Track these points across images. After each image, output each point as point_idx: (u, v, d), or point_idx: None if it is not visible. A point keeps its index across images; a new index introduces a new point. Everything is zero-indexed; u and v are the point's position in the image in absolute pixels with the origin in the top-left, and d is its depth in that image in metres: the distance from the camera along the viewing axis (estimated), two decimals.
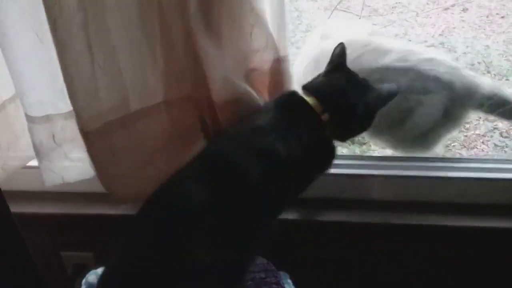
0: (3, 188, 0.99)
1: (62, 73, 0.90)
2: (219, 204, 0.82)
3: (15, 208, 1.01)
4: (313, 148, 0.92)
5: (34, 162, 1.19)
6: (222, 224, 0.81)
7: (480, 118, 1.92)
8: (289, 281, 0.99)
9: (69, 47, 0.88)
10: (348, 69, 0.99)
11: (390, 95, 0.97)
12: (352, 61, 1.13)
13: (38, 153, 1.07)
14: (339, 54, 0.99)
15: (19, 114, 1.09)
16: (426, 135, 1.25)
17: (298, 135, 0.90)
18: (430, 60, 1.22)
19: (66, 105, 1.00)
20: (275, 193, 0.87)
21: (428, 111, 1.21)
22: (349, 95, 0.94)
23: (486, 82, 1.23)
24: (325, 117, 0.92)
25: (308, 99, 0.93)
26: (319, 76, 0.99)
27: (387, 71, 1.22)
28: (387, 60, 1.22)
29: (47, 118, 1.04)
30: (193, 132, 1.04)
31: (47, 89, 0.99)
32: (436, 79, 1.19)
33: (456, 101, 1.20)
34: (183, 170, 0.88)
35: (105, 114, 0.97)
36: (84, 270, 1.02)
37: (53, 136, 1.05)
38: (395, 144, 1.33)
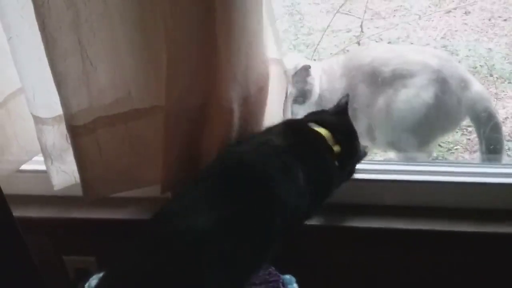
0: (5, 192, 0.99)
1: (50, 68, 0.91)
2: (236, 222, 0.84)
3: (17, 212, 1.01)
4: (324, 172, 0.98)
5: (35, 166, 1.20)
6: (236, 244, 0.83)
7: None
8: (295, 285, 0.99)
9: (58, 44, 0.89)
10: (349, 117, 1.07)
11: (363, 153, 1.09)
12: (351, 60, 1.17)
13: (49, 155, 1.07)
14: (345, 103, 1.07)
15: (10, 118, 1.10)
16: (422, 128, 1.24)
17: (314, 159, 0.97)
18: (419, 49, 1.24)
19: None
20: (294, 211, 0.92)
21: (413, 94, 1.20)
22: (355, 137, 1.05)
23: (478, 83, 1.24)
24: (336, 148, 0.98)
25: (320, 130, 0.99)
26: (323, 112, 1.05)
27: (373, 62, 1.25)
28: (373, 53, 1.25)
29: (60, 118, 1.04)
30: (185, 144, 1.04)
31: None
32: (423, 63, 1.20)
33: (447, 89, 1.20)
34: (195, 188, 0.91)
35: (95, 110, 0.98)
36: (86, 274, 1.02)
37: (66, 136, 1.05)
38: (393, 142, 1.33)
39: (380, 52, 1.29)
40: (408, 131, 1.28)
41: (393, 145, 1.39)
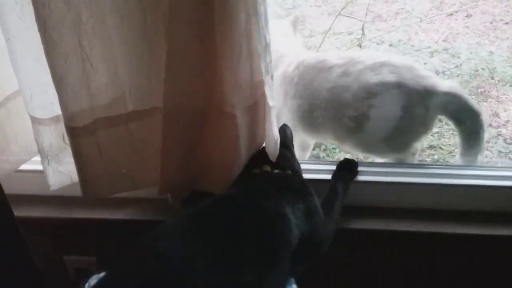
0: (7, 192, 0.99)
1: (50, 70, 0.91)
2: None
3: (18, 212, 1.01)
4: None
5: (36, 166, 1.20)
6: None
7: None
8: (294, 285, 0.99)
9: (58, 46, 0.88)
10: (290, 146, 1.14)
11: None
12: (306, 85, 1.29)
13: (46, 156, 1.07)
14: (290, 137, 1.15)
15: (10, 118, 1.10)
16: (395, 137, 1.25)
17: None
18: (372, 66, 1.24)
19: None
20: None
21: (383, 111, 1.21)
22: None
23: (445, 83, 1.23)
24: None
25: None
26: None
27: (334, 89, 1.26)
28: (332, 77, 1.26)
29: (57, 119, 1.04)
30: (184, 148, 1.03)
31: (55, 90, 0.98)
32: (381, 83, 1.21)
33: (413, 97, 1.20)
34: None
35: (95, 112, 0.98)
36: (86, 274, 1.02)
37: (63, 136, 1.05)
38: (365, 149, 1.35)
39: (336, 77, 1.28)
40: (380, 143, 1.29)
41: (367, 152, 1.41)
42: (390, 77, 1.22)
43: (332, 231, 1.04)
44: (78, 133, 0.97)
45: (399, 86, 1.21)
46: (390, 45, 2.29)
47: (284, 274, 0.92)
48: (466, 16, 2.46)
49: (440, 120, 1.93)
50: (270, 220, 0.91)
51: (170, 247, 0.83)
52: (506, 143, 1.85)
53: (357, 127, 1.26)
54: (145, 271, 0.79)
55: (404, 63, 1.27)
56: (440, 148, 1.87)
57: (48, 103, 1.02)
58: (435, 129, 1.92)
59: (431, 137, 1.89)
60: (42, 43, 0.88)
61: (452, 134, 1.89)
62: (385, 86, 1.21)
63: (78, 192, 1.08)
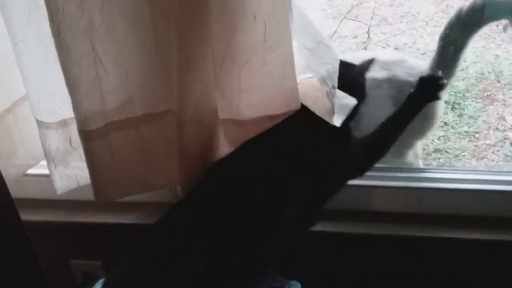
0: (14, 195, 0.99)
1: (63, 74, 0.91)
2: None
3: (25, 215, 1.02)
4: None
5: (42, 170, 1.21)
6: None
7: (490, 128, 1.91)
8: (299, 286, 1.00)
9: (72, 50, 0.89)
10: None
11: None
12: None
13: (52, 160, 1.08)
14: None
15: (17, 123, 1.11)
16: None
17: None
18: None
19: None
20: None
21: (372, 110, 1.18)
22: None
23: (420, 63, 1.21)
24: None
25: None
26: None
27: None
28: None
29: (64, 123, 1.05)
30: (195, 150, 1.03)
31: (62, 94, 0.99)
32: (371, 80, 1.16)
33: (402, 88, 1.18)
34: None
35: (107, 115, 0.98)
36: (92, 278, 1.02)
37: (70, 139, 1.06)
38: None
39: None
40: None
41: None
42: (380, 74, 1.19)
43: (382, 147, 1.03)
44: (90, 137, 0.98)
45: (389, 81, 1.18)
46: (396, 48, 2.28)
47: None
48: None
49: (446, 124, 1.93)
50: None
51: (167, 247, 0.84)
52: None
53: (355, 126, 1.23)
54: (143, 273, 0.80)
55: (396, 57, 1.24)
56: (446, 152, 1.86)
57: (55, 107, 1.02)
58: (440, 133, 1.92)
59: (437, 141, 1.89)
60: (56, 47, 0.88)
61: (458, 137, 1.88)
62: (374, 82, 1.18)
63: (84, 196, 1.09)
